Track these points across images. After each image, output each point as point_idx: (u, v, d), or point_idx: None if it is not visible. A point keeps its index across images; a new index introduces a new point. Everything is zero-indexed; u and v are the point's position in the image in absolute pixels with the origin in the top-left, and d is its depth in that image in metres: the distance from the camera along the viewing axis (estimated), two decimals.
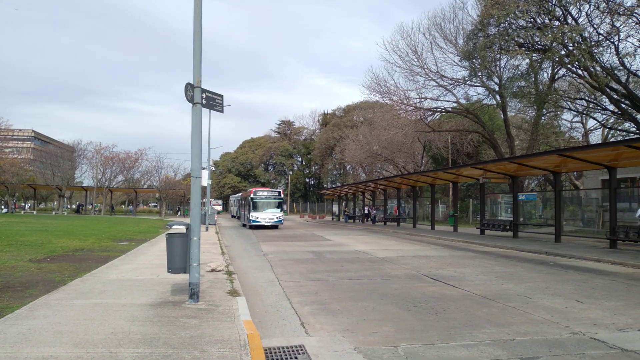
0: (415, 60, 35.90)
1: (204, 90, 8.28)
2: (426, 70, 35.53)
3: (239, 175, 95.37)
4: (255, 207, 36.04)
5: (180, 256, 8.08)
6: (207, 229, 28.31)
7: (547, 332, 6.82)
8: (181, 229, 8.15)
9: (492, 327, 7.03)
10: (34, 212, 64.42)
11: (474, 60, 29.94)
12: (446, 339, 6.45)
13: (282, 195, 38.32)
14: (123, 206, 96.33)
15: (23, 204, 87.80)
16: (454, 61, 34.41)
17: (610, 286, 10.78)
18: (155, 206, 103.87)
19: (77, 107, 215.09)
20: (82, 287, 9.17)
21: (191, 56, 8.17)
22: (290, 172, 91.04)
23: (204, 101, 8.31)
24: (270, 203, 36.55)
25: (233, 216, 65.12)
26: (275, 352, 5.89)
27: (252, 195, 36.36)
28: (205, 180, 26.08)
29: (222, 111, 9.04)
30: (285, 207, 42.55)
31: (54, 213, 63.06)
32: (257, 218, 35.49)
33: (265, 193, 37.20)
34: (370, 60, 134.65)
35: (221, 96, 8.93)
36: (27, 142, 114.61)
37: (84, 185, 74.12)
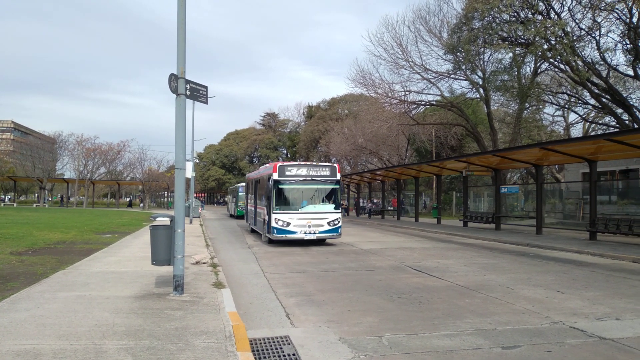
0: (400, 53, 36.02)
1: (187, 81, 8.22)
2: (411, 63, 35.68)
3: (223, 167, 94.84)
4: (282, 198, 17.79)
5: (164, 248, 8.04)
6: (191, 222, 28.17)
7: (528, 321, 6.95)
8: (165, 221, 8.10)
9: (475, 317, 7.14)
10: (14, 205, 63.37)
11: (458, 53, 30.11)
12: (430, 329, 6.53)
13: (339, 176, 18.59)
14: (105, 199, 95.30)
15: (3, 196, 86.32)
16: (439, 54, 34.62)
17: (590, 277, 11.01)
18: (137, 197, 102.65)
19: (58, 98, 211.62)
20: (65, 280, 9.08)
21: (175, 47, 8.09)
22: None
23: (187, 92, 8.25)
24: (315, 191, 18.18)
25: (232, 215, 44.29)
26: (261, 343, 5.91)
27: (275, 176, 17.67)
28: (189, 172, 25.92)
29: (206, 102, 8.99)
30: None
31: (35, 205, 62.12)
32: (287, 224, 17.29)
33: (303, 170, 18.00)
34: (355, 53, 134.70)
35: (205, 87, 8.87)
36: (7, 134, 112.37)
37: (65, 177, 73.08)
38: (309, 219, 17.30)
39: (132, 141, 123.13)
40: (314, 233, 17.34)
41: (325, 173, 18.08)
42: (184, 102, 8.12)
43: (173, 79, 8.00)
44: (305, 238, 17.27)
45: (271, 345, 5.84)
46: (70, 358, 4.85)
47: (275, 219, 17.21)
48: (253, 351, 5.45)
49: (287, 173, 17.65)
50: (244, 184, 37.06)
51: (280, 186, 17.57)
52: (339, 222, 17.81)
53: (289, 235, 17.19)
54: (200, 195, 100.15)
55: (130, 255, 12.93)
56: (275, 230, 17.22)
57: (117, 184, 71.37)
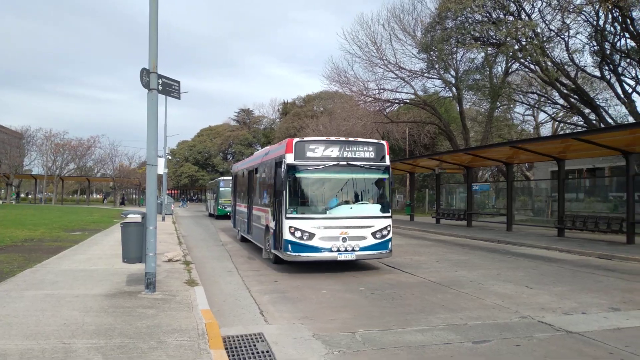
0: (375, 51, 36.21)
1: (160, 76, 8.11)
2: (385, 61, 35.91)
3: (197, 164, 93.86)
4: (300, 195, 11.44)
5: (135, 245, 7.93)
6: (163, 219, 27.80)
7: (498, 316, 7.10)
8: (137, 217, 7.98)
9: (446, 313, 7.25)
10: None
11: (431, 52, 30.43)
12: (402, 325, 6.61)
13: (388, 161, 12.04)
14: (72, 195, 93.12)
15: None
16: (412, 53, 34.92)
17: (558, 272, 11.29)
18: (106, 195, 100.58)
19: (25, 92, 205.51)
20: (33, 278, 8.86)
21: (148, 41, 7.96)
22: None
23: (160, 87, 8.14)
24: (352, 184, 11.81)
25: (212, 214, 38.01)
26: (234, 341, 5.88)
27: (290, 159, 11.20)
28: (161, 169, 25.55)
29: (179, 98, 8.90)
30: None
31: (1, 202, 60.39)
32: (310, 236, 10.88)
33: (334, 150, 11.51)
34: (331, 50, 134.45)
35: (178, 82, 8.77)
36: None
37: (33, 173, 71.19)
38: (344, 227, 10.91)
39: (103, 137, 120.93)
40: (352, 250, 10.84)
41: (368, 155, 11.69)
42: (156, 97, 8.00)
43: (145, 73, 7.87)
44: (338, 258, 10.79)
45: (245, 343, 5.82)
46: (38, 358, 4.74)
47: (290, 227, 10.79)
48: (226, 349, 5.42)
49: (310, 154, 11.26)
50: (226, 178, 34.27)
51: (298, 175, 11.12)
52: (389, 232, 11.49)
53: (312, 254, 10.74)
54: (173, 191, 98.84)
55: (101, 253, 12.70)
56: (289, 246, 10.77)
57: (87, 180, 69.91)
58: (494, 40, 26.24)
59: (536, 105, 34.69)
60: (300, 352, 5.52)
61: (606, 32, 23.09)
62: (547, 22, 24.59)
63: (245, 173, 17.70)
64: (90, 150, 66.72)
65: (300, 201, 11.27)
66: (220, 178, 37.83)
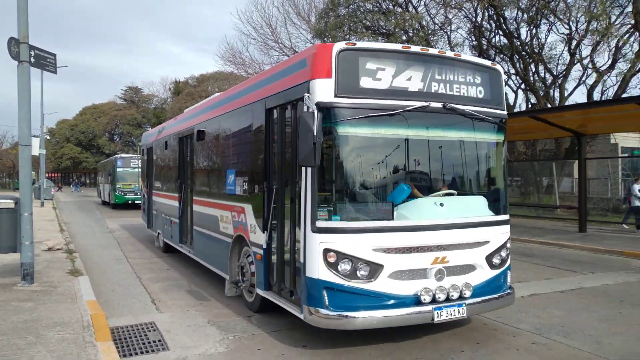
0: (270, 34, 35.99)
1: (32, 47, 7.42)
2: (280, 45, 35.87)
3: (80, 145, 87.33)
4: (341, 180, 4.90)
5: (8, 234, 7.32)
6: (42, 205, 25.61)
7: None
8: (9, 203, 7.31)
9: None
10: None
11: (325, 39, 30.87)
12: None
13: (505, 106, 5.81)
14: None
15: None
16: (307, 38, 35.16)
17: None
18: None
19: None
20: None
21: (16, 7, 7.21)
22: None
23: (32, 59, 7.47)
24: (442, 151, 5.43)
25: (106, 202, 31.33)
26: (124, 331, 5.65)
27: (324, 94, 4.57)
28: (36, 150, 23.41)
29: (55, 72, 8.24)
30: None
31: None
32: (371, 271, 4.69)
33: (415, 77, 4.99)
34: (225, 29, 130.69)
35: (54, 55, 8.10)
36: None
37: None
38: (438, 246, 5.02)
39: None
40: (461, 298, 5.02)
41: (475, 91, 5.46)
42: (27, 70, 7.33)
43: (13, 43, 7.17)
44: (436, 319, 4.79)
45: (135, 333, 5.61)
46: None
47: (329, 252, 4.64)
48: (115, 340, 5.18)
49: (368, 83, 4.80)
50: (125, 156, 29.02)
51: (343, 131, 4.78)
52: (508, 253, 5.66)
53: (377, 313, 4.70)
54: (54, 174, 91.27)
55: None
56: (327, 296, 4.65)
57: None
58: (384, 30, 27.25)
59: None
60: (194, 339, 5.44)
61: (483, 29, 24.98)
62: (432, 15, 26.05)
63: (174, 141, 10.69)
64: None
65: (346, 191, 5.07)
66: (117, 156, 30.21)
